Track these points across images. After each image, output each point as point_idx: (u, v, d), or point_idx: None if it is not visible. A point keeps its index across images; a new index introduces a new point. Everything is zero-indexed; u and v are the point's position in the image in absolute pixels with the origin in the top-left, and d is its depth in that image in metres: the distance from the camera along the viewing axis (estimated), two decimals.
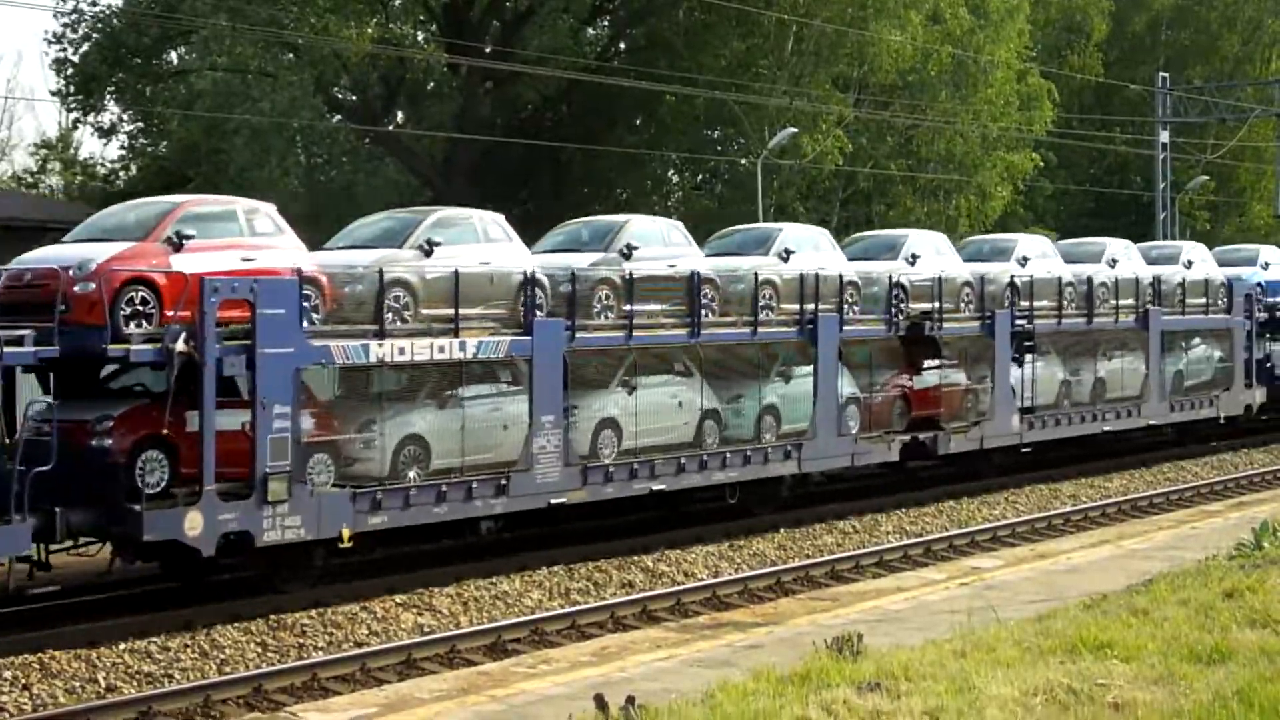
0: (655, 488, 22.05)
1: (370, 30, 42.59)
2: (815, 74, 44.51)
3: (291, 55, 41.85)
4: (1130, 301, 32.33)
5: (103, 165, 51.44)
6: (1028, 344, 29.12)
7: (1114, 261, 33.56)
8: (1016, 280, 29.34)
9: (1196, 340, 34.71)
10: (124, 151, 48.30)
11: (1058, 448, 31.18)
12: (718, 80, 42.87)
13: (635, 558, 21.58)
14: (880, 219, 46.34)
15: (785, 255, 25.01)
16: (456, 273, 19.60)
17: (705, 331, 23.04)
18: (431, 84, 47.40)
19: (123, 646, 16.16)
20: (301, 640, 17.04)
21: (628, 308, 21.92)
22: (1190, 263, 35.07)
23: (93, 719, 14.20)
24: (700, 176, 52.30)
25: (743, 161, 44.81)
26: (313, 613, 17.85)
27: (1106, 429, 31.37)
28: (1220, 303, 35.18)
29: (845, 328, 25.20)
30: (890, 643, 13.25)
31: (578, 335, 21.09)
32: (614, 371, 21.97)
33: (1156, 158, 55.18)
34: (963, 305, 28.11)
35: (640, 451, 21.93)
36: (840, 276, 25.51)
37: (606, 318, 21.75)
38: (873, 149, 47.03)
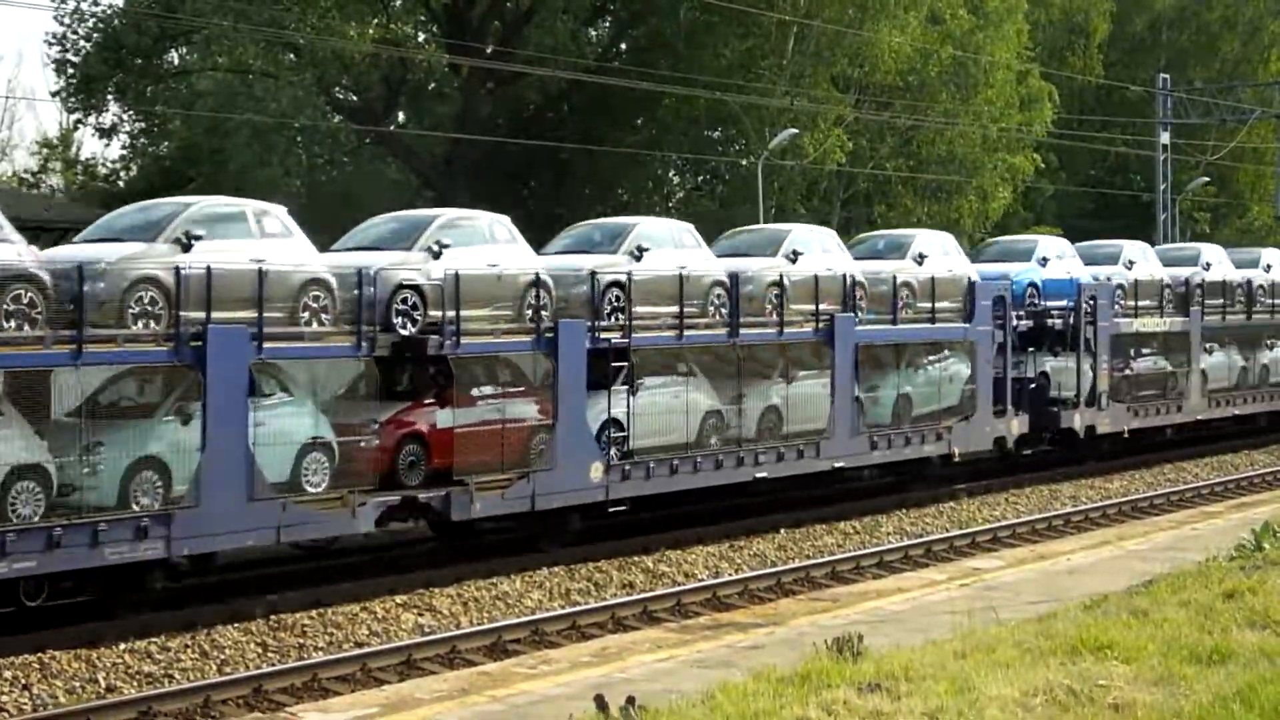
0: None
1: (371, 31, 42.66)
2: (815, 74, 44.55)
3: (293, 56, 41.88)
4: (809, 307, 24.80)
5: (104, 165, 51.49)
6: (618, 364, 21.56)
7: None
8: (619, 279, 22.01)
9: (932, 357, 27.54)
10: (125, 152, 48.35)
11: (679, 501, 23.91)
12: (718, 81, 42.89)
13: (635, 558, 21.59)
14: (882, 220, 46.38)
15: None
16: None
17: None
18: (432, 84, 47.48)
19: (123, 646, 16.17)
20: (302, 640, 17.05)
21: None
22: (926, 255, 27.72)
23: (93, 719, 14.21)
24: (701, 177, 52.33)
25: (743, 162, 44.82)
26: (313, 613, 17.87)
27: (761, 475, 23.76)
28: (964, 308, 28.09)
29: (269, 345, 17.77)
30: (890, 643, 13.24)
31: None
32: None
33: (1157, 159, 55.21)
34: (526, 313, 20.83)
35: None
36: (261, 273, 17.76)
37: None
38: (873, 150, 47.06)
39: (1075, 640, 12.38)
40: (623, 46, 50.80)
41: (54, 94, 45.30)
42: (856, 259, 27.00)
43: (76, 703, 14.64)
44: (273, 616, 17.59)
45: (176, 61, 45.55)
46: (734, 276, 23.61)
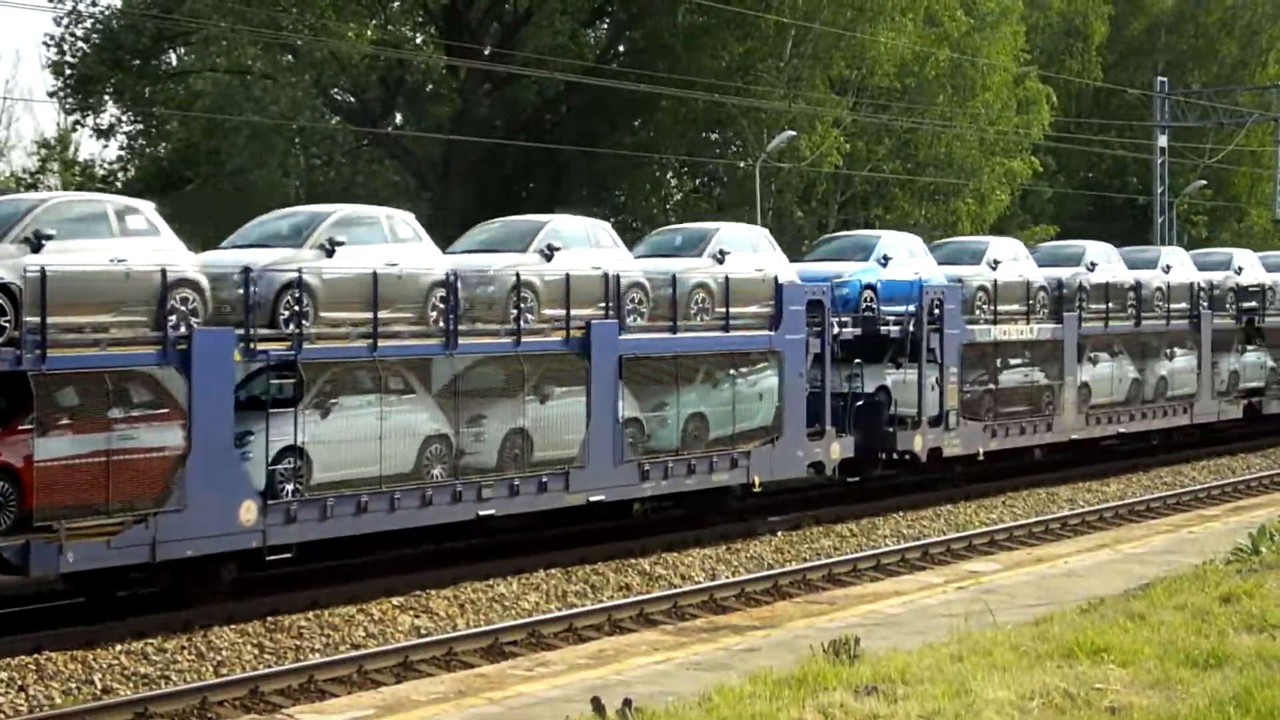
0: None
1: (369, 32, 42.67)
2: (813, 77, 44.58)
3: (290, 57, 41.86)
4: (558, 311, 20.88)
5: (101, 166, 51.46)
6: (281, 380, 17.95)
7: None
8: (297, 278, 18.04)
9: (736, 370, 23.51)
10: (123, 153, 48.30)
11: (385, 545, 20.35)
12: (716, 83, 42.90)
13: (632, 560, 21.59)
14: (879, 222, 46.38)
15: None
16: None
17: None
18: (430, 85, 47.39)
19: (119, 648, 16.18)
20: (298, 642, 17.05)
21: None
22: (728, 252, 23.52)
23: None
24: (699, 179, 52.35)
25: (741, 164, 44.84)
26: (310, 614, 17.87)
27: (487, 513, 19.86)
28: (773, 313, 24.13)
29: None
30: (887, 646, 13.25)
31: None
32: None
33: (1154, 162, 55.24)
34: (170, 320, 16.90)
35: None
36: None
37: None
38: (870, 152, 47.07)
39: (1072, 643, 12.39)
40: (621, 48, 50.77)
41: (51, 94, 45.33)
42: (649, 256, 23.75)
43: (73, 704, 14.64)
44: (269, 618, 17.59)
45: (174, 62, 45.50)
46: (453, 275, 19.69)
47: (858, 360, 25.91)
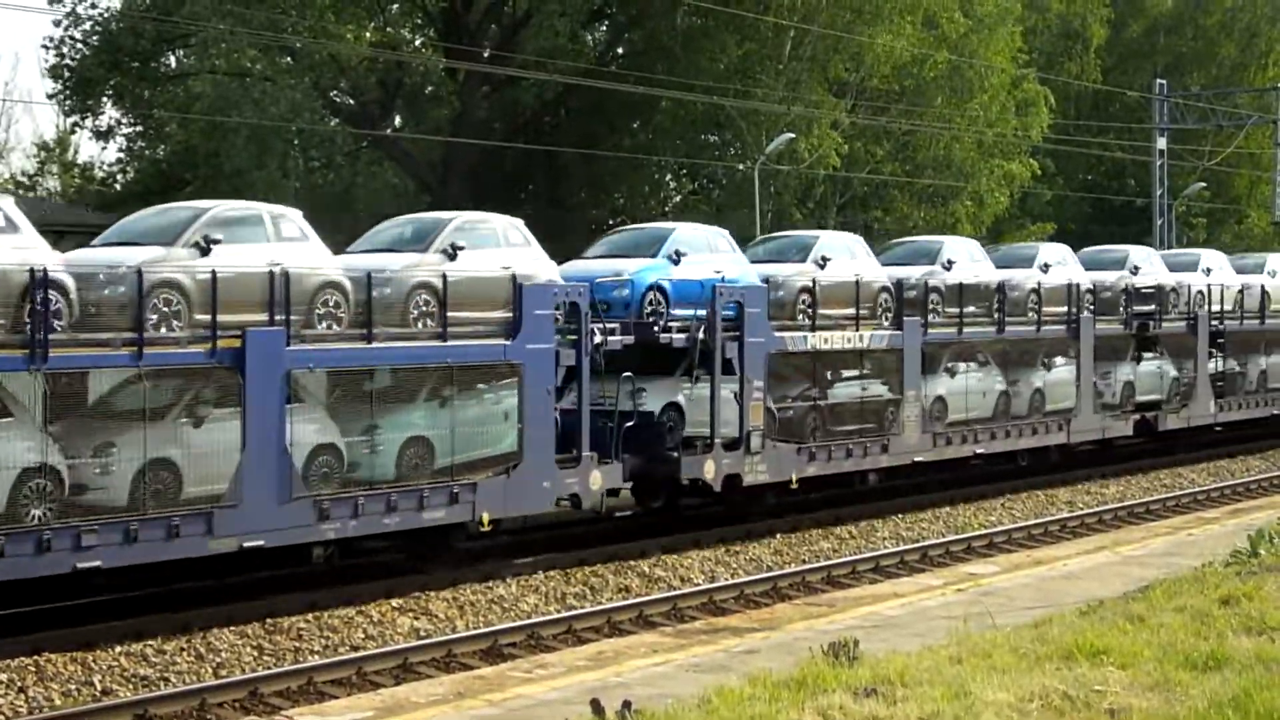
0: None
1: (368, 34, 42.71)
2: (812, 79, 44.62)
3: (289, 59, 41.91)
4: (225, 317, 17.10)
5: (100, 169, 51.53)
6: None
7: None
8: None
9: (481, 386, 20.09)
10: (122, 155, 48.39)
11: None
12: (715, 85, 42.93)
13: (631, 562, 21.58)
14: (879, 225, 46.42)
15: None
16: None
17: None
18: (429, 88, 47.49)
19: (119, 649, 16.17)
20: (297, 644, 17.05)
21: None
22: (462, 247, 20.15)
23: None
24: (698, 182, 52.40)
25: (740, 167, 44.88)
26: (309, 616, 17.87)
27: (89, 565, 15.87)
28: (502, 318, 20.32)
29: None
30: (886, 648, 13.26)
31: None
32: None
33: (1153, 164, 55.27)
34: None
35: None
36: None
37: None
38: (868, 154, 47.10)
39: (1071, 646, 12.40)
40: (620, 50, 50.83)
41: (50, 96, 45.39)
42: (376, 250, 20.55)
43: (72, 705, 14.64)
44: (268, 620, 17.60)
45: (173, 64, 45.57)
46: (44, 272, 15.56)
47: (627, 374, 21.91)
